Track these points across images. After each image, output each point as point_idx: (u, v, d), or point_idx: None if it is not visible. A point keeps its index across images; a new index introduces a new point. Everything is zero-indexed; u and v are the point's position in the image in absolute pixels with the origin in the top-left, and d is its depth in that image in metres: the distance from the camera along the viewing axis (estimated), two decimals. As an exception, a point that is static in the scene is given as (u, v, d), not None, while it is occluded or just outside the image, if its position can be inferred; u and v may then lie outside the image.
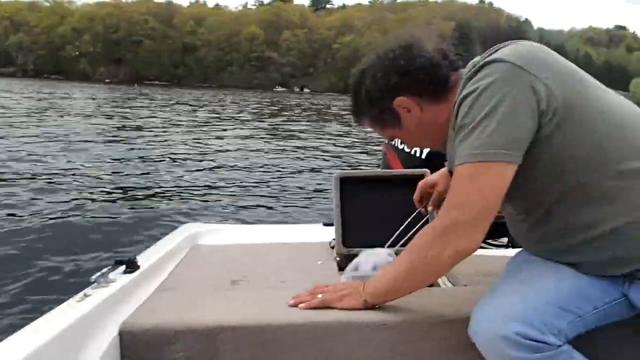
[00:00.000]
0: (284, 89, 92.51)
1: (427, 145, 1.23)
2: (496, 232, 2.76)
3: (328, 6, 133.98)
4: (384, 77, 1.09)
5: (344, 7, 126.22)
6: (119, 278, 1.31)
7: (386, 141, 2.57)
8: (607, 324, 1.05)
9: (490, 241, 2.81)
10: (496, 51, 1.01)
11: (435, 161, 2.00)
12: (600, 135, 0.97)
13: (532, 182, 1.02)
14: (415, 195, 1.51)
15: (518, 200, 1.07)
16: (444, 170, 1.47)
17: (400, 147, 2.41)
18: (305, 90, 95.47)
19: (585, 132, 0.96)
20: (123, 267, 1.36)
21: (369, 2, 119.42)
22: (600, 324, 1.04)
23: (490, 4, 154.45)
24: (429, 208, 1.48)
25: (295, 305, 1.16)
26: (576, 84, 0.98)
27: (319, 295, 1.16)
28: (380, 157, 2.76)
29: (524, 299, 1.00)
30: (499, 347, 0.96)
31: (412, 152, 2.28)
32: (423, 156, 2.20)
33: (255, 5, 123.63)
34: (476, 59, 1.07)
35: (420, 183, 1.50)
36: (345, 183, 1.66)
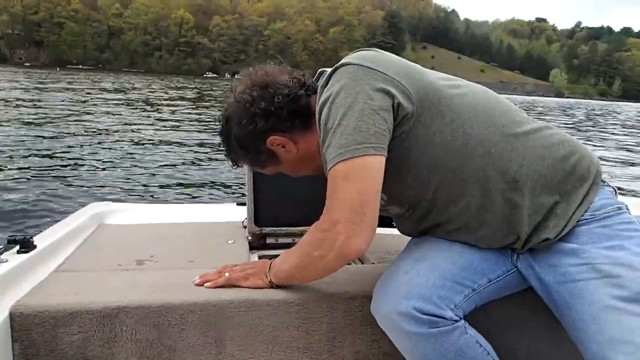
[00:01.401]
0: (214, 75, 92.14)
1: (311, 172, 1.20)
2: None
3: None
4: (249, 121, 1.08)
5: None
6: (12, 258, 1.26)
7: None
8: (501, 298, 1.11)
9: None
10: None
11: None
12: (461, 121, 1.01)
13: (409, 177, 1.04)
14: None
15: (400, 198, 1.08)
16: None
17: None
18: (237, 76, 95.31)
19: (445, 120, 1.00)
20: (17, 247, 1.32)
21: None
22: (495, 297, 1.10)
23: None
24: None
25: (201, 284, 1.15)
26: (423, 77, 1.02)
27: (226, 274, 1.16)
28: None
29: (420, 275, 1.04)
30: (398, 322, 0.99)
31: None
32: None
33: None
34: (326, 70, 1.16)
35: None
36: None
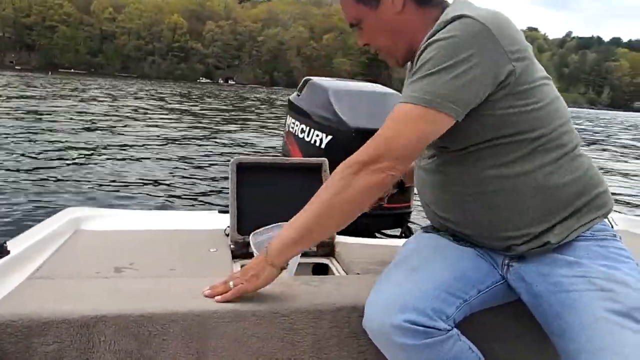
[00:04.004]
0: (208, 81, 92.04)
1: (380, 46, 1.17)
2: (391, 222, 2.68)
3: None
4: None
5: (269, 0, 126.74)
6: None
7: (287, 129, 2.52)
8: (491, 307, 1.14)
9: (384, 231, 2.81)
10: (468, 8, 1.04)
11: (334, 152, 2.08)
12: (535, 110, 1.03)
13: (466, 125, 1.03)
14: None
15: (447, 137, 1.05)
16: None
17: (300, 135, 2.34)
18: (230, 82, 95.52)
19: (525, 106, 1.02)
20: None
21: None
22: (484, 307, 1.12)
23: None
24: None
25: (211, 297, 1.11)
26: (530, 61, 1.03)
27: (231, 284, 1.11)
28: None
29: (412, 287, 1.04)
30: (392, 335, 0.99)
31: (312, 142, 2.24)
32: (322, 145, 2.17)
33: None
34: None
35: None
36: (242, 169, 1.62)
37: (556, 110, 1.08)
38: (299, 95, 2.56)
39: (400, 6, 1.11)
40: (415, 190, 1.32)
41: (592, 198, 1.09)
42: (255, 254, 1.26)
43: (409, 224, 2.70)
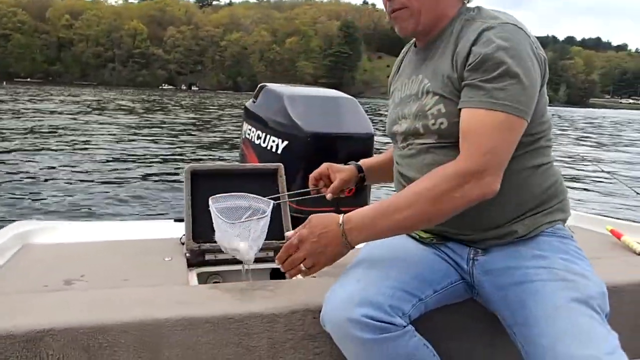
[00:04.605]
0: (170, 87, 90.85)
1: (416, 9, 1.15)
2: None
3: (214, 3, 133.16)
4: None
5: (230, 4, 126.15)
6: None
7: (244, 136, 2.55)
8: (447, 306, 1.18)
9: None
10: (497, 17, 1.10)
11: (290, 157, 2.03)
12: (542, 112, 1.14)
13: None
14: (314, 174, 1.47)
15: (452, 126, 1.10)
16: (350, 167, 1.47)
17: (257, 142, 2.36)
18: (194, 88, 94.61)
19: (541, 107, 1.12)
20: None
21: (256, 0, 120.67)
22: (440, 305, 1.16)
23: (374, 5, 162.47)
24: (328, 195, 1.43)
25: (282, 265, 1.12)
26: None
27: (302, 266, 1.10)
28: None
29: (371, 283, 1.06)
30: (348, 329, 1.00)
31: (268, 148, 2.25)
32: (279, 151, 2.17)
33: (137, 0, 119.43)
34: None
35: (325, 165, 1.47)
36: (197, 177, 1.61)
37: (547, 117, 1.18)
38: (254, 102, 2.60)
39: None
40: (393, 185, 1.35)
41: (559, 202, 1.19)
42: (217, 218, 1.26)
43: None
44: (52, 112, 19.52)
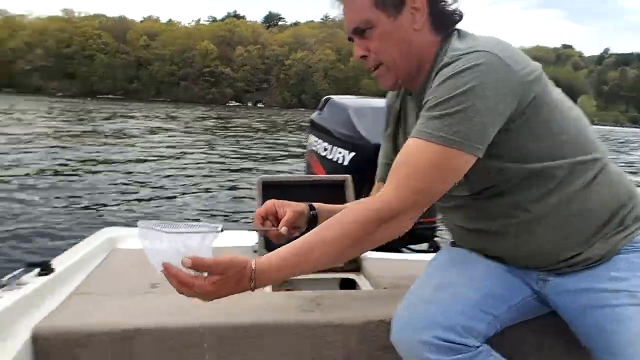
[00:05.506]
0: (237, 104, 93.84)
1: (385, 59, 1.07)
2: (418, 237, 2.74)
3: (280, 23, 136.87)
4: None
5: (296, 24, 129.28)
6: (32, 281, 1.30)
7: (310, 148, 2.53)
8: (524, 322, 1.14)
9: (411, 246, 2.78)
10: (473, 39, 1.03)
11: (357, 168, 2.07)
12: (559, 130, 1.01)
13: (495, 162, 1.01)
14: (259, 211, 1.31)
15: (473, 179, 1.04)
16: (301, 204, 1.34)
17: (323, 154, 2.34)
18: (259, 105, 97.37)
19: (548, 127, 1.00)
20: (37, 270, 1.34)
21: (321, 19, 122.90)
22: (515, 322, 1.12)
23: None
24: (283, 228, 1.26)
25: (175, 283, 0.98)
26: (545, 82, 1.02)
27: (194, 294, 0.98)
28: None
29: (441, 304, 1.02)
30: (420, 351, 0.98)
31: (335, 159, 2.25)
32: (345, 162, 2.18)
33: (208, 21, 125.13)
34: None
35: (270, 202, 1.31)
36: (268, 188, 1.65)
37: (582, 125, 1.09)
38: (319, 114, 2.62)
39: (420, 24, 1.07)
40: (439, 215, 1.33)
41: (629, 210, 1.09)
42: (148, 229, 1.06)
43: (436, 239, 2.70)
44: (132, 127, 20.69)
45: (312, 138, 2.64)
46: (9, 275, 1.27)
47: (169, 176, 8.91)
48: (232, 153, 13.57)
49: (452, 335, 0.98)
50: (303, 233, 1.30)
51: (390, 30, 1.07)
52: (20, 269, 1.32)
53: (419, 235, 2.66)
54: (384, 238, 0.99)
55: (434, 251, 2.37)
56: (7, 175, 7.68)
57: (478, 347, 1.00)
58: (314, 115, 2.71)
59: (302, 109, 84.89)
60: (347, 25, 1.13)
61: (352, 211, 1.00)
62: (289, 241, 1.11)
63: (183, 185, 8.17)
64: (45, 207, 5.96)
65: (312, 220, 1.34)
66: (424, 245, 2.74)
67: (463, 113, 0.93)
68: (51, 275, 1.36)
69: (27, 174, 7.89)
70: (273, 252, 1.01)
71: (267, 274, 0.98)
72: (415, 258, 1.94)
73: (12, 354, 1.02)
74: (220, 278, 0.96)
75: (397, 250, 2.35)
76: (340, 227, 0.97)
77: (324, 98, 2.76)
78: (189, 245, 0.97)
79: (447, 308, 1.02)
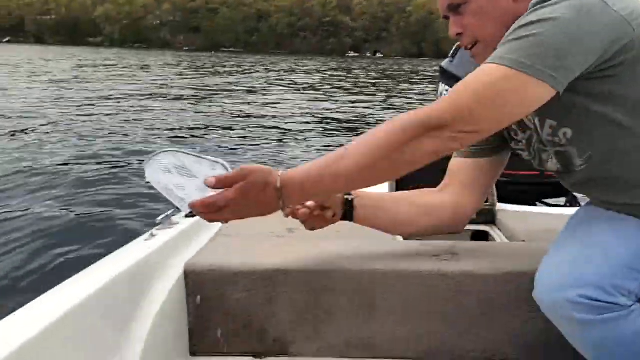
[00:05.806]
0: (356, 54, 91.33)
1: (483, 36, 1.01)
2: (553, 191, 2.70)
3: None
4: None
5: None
6: (182, 221, 1.39)
7: (439, 96, 2.30)
8: None
9: (546, 200, 2.76)
10: None
11: None
12: None
13: (607, 124, 0.93)
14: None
15: (587, 145, 0.96)
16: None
17: None
18: (378, 54, 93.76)
19: None
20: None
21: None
22: None
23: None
24: (309, 204, 1.16)
25: (197, 209, 0.96)
26: None
27: (223, 219, 1.00)
28: None
29: (590, 260, 0.96)
30: (567, 311, 0.93)
31: None
32: None
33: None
34: None
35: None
36: None
37: None
38: (451, 62, 2.49)
39: None
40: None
41: None
42: (154, 177, 0.99)
43: (575, 193, 2.62)
44: (254, 79, 21.32)
45: (442, 87, 2.37)
46: (163, 215, 1.34)
47: (296, 129, 8.94)
48: (354, 104, 13.34)
49: (602, 294, 0.93)
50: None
51: (488, 4, 1.00)
52: (172, 210, 1.36)
53: (555, 188, 2.60)
54: (424, 154, 0.90)
55: (572, 206, 2.32)
56: (156, 128, 8.08)
57: (630, 306, 0.95)
58: (445, 63, 2.42)
59: (421, 58, 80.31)
60: (441, 2, 1.07)
61: (397, 119, 0.93)
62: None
63: (310, 136, 8.25)
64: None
65: (348, 205, 1.19)
66: (561, 200, 2.67)
67: (542, 37, 0.85)
68: (197, 217, 1.35)
69: (172, 129, 8.18)
70: (296, 172, 0.95)
71: (295, 179, 0.94)
72: (553, 212, 1.87)
73: (168, 287, 1.12)
74: (245, 184, 0.92)
75: (532, 204, 2.37)
76: (384, 131, 0.91)
77: (456, 44, 2.39)
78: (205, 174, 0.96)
79: (597, 265, 0.96)
